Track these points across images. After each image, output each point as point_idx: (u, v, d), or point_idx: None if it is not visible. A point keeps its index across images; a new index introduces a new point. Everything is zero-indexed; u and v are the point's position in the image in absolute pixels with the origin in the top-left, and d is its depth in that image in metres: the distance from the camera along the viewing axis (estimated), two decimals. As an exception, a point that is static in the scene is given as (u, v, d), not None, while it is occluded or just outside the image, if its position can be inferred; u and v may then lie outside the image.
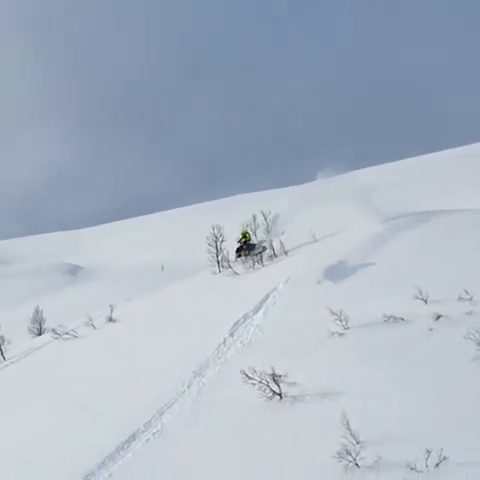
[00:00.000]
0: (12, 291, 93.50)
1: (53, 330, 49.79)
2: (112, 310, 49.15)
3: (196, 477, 23.34)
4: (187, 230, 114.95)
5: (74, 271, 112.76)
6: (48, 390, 36.36)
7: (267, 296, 39.08)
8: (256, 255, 44.26)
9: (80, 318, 50.31)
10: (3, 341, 51.63)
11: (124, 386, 32.88)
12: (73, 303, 72.11)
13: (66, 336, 47.24)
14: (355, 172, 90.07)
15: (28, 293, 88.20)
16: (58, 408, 33.10)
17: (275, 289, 39.78)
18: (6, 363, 47.67)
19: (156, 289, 54.23)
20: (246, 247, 41.37)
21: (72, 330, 47.74)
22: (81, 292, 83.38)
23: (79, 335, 46.71)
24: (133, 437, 27.58)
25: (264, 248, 44.85)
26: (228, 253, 49.72)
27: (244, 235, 41.73)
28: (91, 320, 48.84)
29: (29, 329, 59.59)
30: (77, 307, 63.88)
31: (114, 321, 48.01)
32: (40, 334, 57.28)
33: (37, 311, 61.36)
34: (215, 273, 48.43)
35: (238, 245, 41.89)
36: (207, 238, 51.00)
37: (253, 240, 42.84)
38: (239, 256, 40.49)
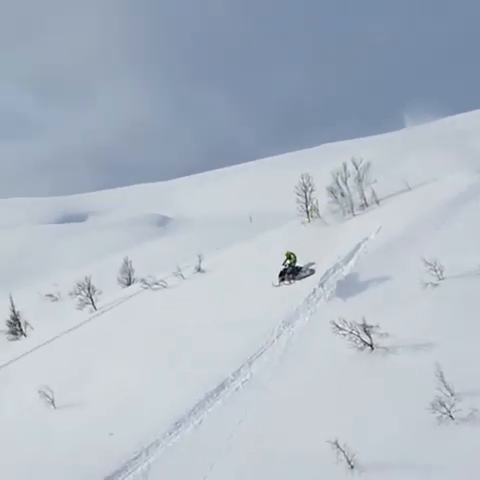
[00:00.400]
0: (102, 242, 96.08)
1: (142, 280, 51.07)
2: (200, 260, 49.93)
3: (285, 425, 23.73)
4: (276, 180, 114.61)
5: (162, 222, 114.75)
6: (138, 339, 37.48)
7: (358, 246, 38.75)
8: (300, 279, 39.47)
9: (169, 268, 51.34)
10: (94, 291, 53.38)
11: (213, 336, 33.50)
12: (161, 254, 73.55)
13: (155, 286, 48.38)
14: (448, 118, 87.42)
15: (117, 244, 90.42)
16: (149, 356, 34.14)
17: (366, 239, 39.38)
18: (97, 312, 49.31)
19: (244, 240, 54.64)
20: (290, 271, 35.33)
21: (161, 280, 48.84)
22: (169, 243, 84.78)
23: (168, 285, 47.77)
24: (222, 386, 28.20)
25: (312, 271, 38.95)
26: (317, 203, 49.42)
27: (289, 256, 36.03)
28: (180, 270, 49.76)
29: (118, 279, 61.32)
30: (165, 257, 65.19)
31: (203, 271, 48.80)
32: (129, 284, 58.87)
33: (126, 262, 62.97)
34: (304, 223, 48.34)
35: (282, 268, 35.33)
36: (296, 188, 50.82)
37: (298, 263, 34.39)
38: (282, 280, 35.01)
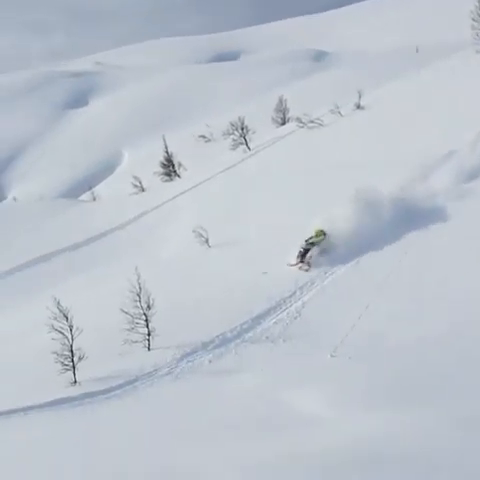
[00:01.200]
0: (255, 81, 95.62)
1: (297, 119, 50.96)
2: (360, 97, 48.93)
3: (449, 268, 23.53)
4: (447, 6, 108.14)
5: (319, 57, 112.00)
6: (291, 178, 37.83)
7: None
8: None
9: (326, 106, 50.76)
10: (247, 131, 53.91)
11: (367, 174, 33.08)
12: (318, 91, 72.48)
13: (311, 124, 48.20)
14: None
15: (271, 82, 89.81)
16: (302, 195, 34.43)
17: None
18: (251, 152, 50.02)
19: (409, 73, 52.64)
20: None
21: (317, 118, 48.51)
22: (327, 79, 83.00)
23: (324, 123, 47.41)
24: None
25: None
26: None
27: (318, 235, 26.71)
28: (337, 108, 49.18)
29: (273, 119, 61.46)
30: (322, 94, 64.22)
31: (362, 108, 47.90)
32: (284, 123, 58.93)
33: (281, 100, 62.73)
34: (479, 52, 45.68)
35: (304, 247, 26.26)
36: (471, 12, 47.86)
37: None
38: (301, 261, 25.83)
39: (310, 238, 26.84)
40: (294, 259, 26.18)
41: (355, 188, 27.91)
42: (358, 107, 48.20)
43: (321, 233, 26.88)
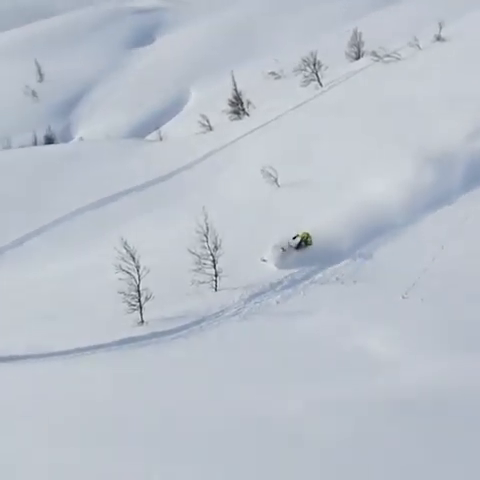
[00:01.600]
0: (327, 13, 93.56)
1: (372, 53, 49.91)
2: (441, 28, 47.64)
3: None
4: None
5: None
6: (366, 116, 37.16)
7: None
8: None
9: (403, 39, 49.55)
10: (319, 67, 53.11)
11: (446, 111, 32.38)
12: (395, 23, 70.46)
13: (387, 59, 47.21)
14: None
15: (345, 14, 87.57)
16: (374, 135, 33.83)
17: None
18: (323, 89, 49.33)
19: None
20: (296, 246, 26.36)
21: (394, 52, 47.44)
22: (404, 10, 79.72)
23: (401, 57, 46.36)
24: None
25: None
26: None
27: (302, 236, 26.62)
28: (416, 40, 48.01)
29: (346, 53, 60.19)
30: (400, 27, 62.53)
31: (442, 40, 46.71)
32: (358, 58, 57.75)
33: (355, 33, 61.36)
34: None
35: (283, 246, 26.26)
36: None
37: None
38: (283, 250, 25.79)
39: (295, 237, 26.59)
40: (269, 256, 25.43)
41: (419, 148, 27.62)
42: (438, 39, 47.02)
43: (306, 235, 26.62)
